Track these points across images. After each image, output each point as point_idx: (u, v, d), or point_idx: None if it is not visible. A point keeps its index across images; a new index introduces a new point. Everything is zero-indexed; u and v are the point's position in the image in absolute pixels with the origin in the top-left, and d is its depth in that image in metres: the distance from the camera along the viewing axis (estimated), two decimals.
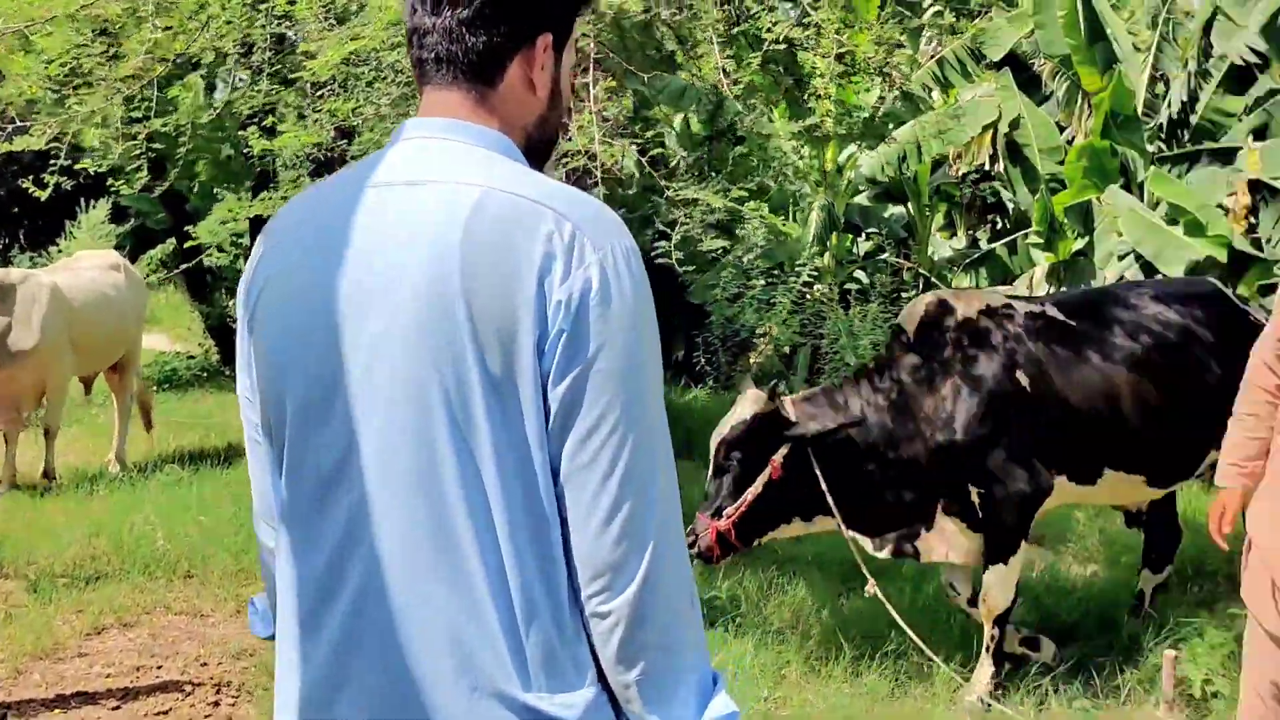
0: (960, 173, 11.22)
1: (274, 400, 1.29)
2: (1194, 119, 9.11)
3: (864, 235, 11.65)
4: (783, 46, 5.80)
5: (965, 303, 4.13)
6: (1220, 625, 4.19)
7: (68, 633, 4.61)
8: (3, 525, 5.90)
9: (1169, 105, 9.16)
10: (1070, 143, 9.81)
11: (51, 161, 5.70)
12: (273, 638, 1.36)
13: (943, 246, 11.97)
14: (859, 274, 9.74)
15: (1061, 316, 4.13)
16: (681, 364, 10.62)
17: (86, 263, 7.68)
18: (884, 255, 10.68)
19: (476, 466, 1.18)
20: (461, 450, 1.19)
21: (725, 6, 6.00)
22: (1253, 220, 7.80)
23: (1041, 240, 9.49)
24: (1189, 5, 10.02)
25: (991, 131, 10.45)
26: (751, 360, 8.75)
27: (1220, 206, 7.94)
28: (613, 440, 1.18)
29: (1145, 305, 4.23)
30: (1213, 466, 3.31)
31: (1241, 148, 8.16)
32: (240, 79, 7.18)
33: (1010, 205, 11.30)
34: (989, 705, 3.91)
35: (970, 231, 12.71)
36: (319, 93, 5.63)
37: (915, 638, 3.93)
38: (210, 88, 10.42)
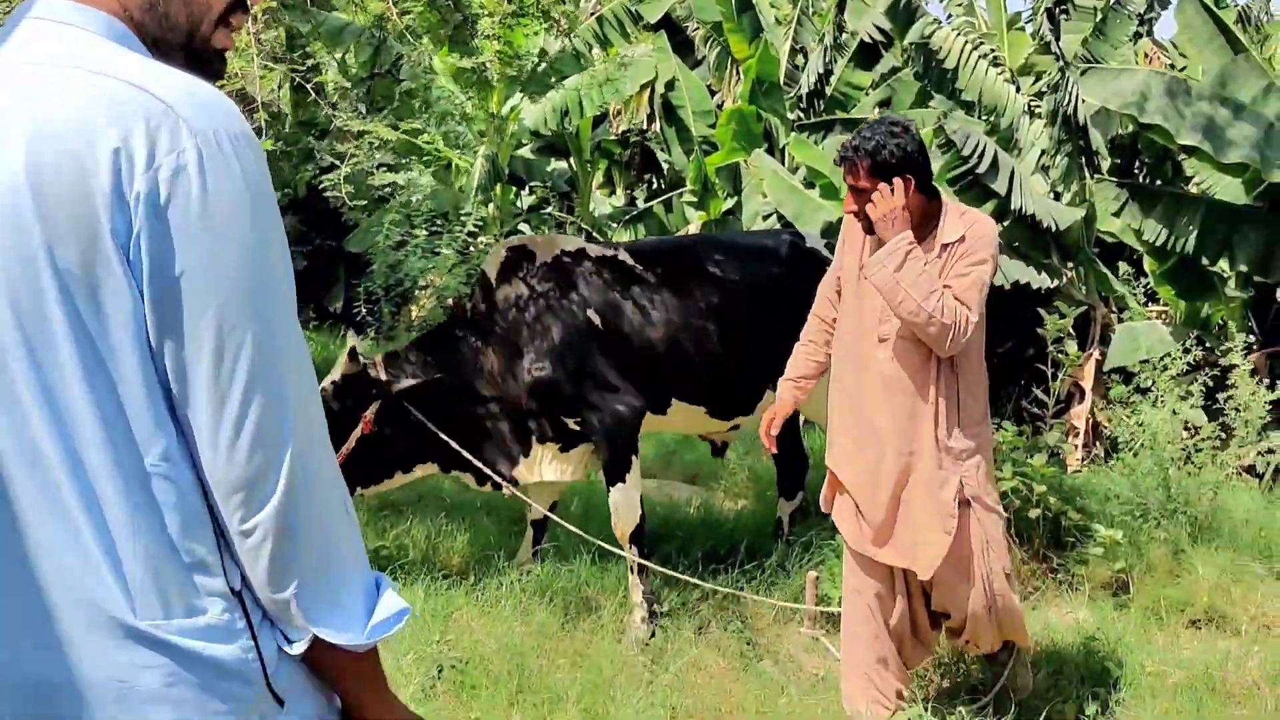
0: (620, 130, 11.54)
1: None
2: (829, 90, 9.88)
3: (527, 189, 11.71)
4: None
5: (542, 248, 4.36)
6: None
7: None
8: None
9: (808, 76, 9.87)
10: (721, 106, 10.33)
11: None
12: None
13: (603, 204, 12.28)
14: (523, 227, 9.78)
15: (631, 261, 4.43)
16: (341, 315, 10.24)
17: None
18: (548, 209, 10.79)
19: (57, 380, 1.07)
20: (40, 364, 1.07)
21: None
22: None
23: (695, 199, 9.97)
24: None
25: (649, 92, 10.77)
26: (413, 313, 8.56)
27: None
28: (230, 345, 1.08)
29: (714, 254, 4.61)
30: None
31: (869, 118, 8.94)
32: None
33: (666, 165, 11.77)
34: (653, 631, 4.08)
35: (629, 190, 13.12)
36: None
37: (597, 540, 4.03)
38: None
